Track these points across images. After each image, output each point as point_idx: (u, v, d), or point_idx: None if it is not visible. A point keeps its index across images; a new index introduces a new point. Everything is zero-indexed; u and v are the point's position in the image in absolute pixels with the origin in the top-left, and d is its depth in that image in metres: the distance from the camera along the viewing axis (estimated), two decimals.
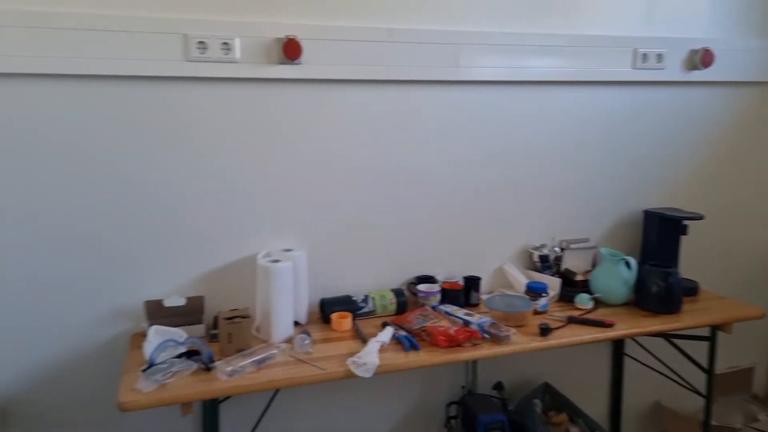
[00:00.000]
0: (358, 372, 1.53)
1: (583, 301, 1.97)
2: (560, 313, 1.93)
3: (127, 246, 1.74)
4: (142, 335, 1.74)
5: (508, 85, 2.03)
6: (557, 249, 2.15)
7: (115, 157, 1.69)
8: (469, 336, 1.67)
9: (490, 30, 1.96)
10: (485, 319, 1.75)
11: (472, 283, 1.98)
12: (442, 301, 1.93)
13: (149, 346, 1.54)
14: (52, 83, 1.59)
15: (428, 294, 1.91)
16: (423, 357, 1.62)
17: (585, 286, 2.06)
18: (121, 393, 1.41)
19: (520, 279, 2.07)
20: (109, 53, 1.59)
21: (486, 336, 1.71)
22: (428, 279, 2.02)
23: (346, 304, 1.86)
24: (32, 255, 1.66)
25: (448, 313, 1.82)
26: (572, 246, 2.15)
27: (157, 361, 1.49)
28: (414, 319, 1.78)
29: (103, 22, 1.57)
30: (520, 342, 1.71)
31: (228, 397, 1.52)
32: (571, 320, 1.86)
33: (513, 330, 1.72)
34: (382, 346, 1.65)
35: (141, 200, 1.73)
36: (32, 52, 1.53)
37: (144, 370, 1.46)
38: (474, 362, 2.16)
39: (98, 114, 1.65)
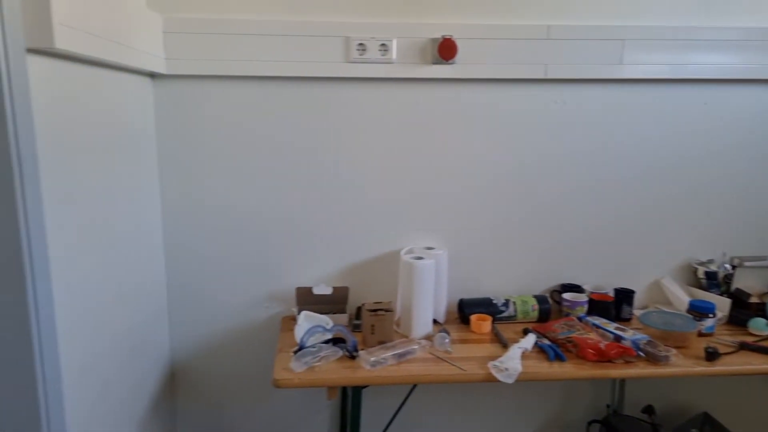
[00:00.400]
0: (500, 377, 1.49)
1: (759, 326, 1.74)
2: (729, 337, 1.72)
3: (283, 237, 1.87)
4: (292, 319, 1.86)
5: (676, 83, 1.86)
6: (728, 266, 1.92)
7: (277, 156, 1.82)
8: (622, 352, 1.55)
9: (658, 24, 1.80)
10: (640, 336, 1.62)
11: (625, 296, 1.85)
12: (589, 313, 1.82)
13: (300, 330, 1.64)
14: (229, 84, 1.76)
15: (574, 304, 1.82)
16: (568, 369, 1.54)
17: (761, 310, 1.82)
18: (276, 371, 1.51)
19: (681, 296, 1.88)
20: (280, 56, 1.71)
21: (641, 354, 1.58)
22: (574, 288, 1.92)
23: (486, 306, 1.83)
24: (208, 244, 1.86)
25: (596, 326, 1.71)
26: (747, 263, 1.91)
27: (307, 344, 1.58)
28: (559, 328, 1.70)
29: (275, 27, 1.69)
30: (682, 365, 1.55)
31: (366, 386, 1.57)
32: (744, 346, 1.65)
33: (673, 351, 1.57)
34: (524, 352, 1.60)
35: (295, 195, 1.85)
36: (216, 56, 1.70)
37: (295, 352, 1.56)
38: (622, 381, 2.01)
39: (263, 116, 1.79)
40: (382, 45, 1.71)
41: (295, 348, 1.58)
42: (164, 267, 1.85)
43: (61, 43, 1.08)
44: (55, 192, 1.15)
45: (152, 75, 1.71)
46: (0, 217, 0.99)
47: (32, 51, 1.06)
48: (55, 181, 1.15)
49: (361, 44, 1.70)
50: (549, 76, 1.78)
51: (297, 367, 1.52)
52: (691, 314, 1.76)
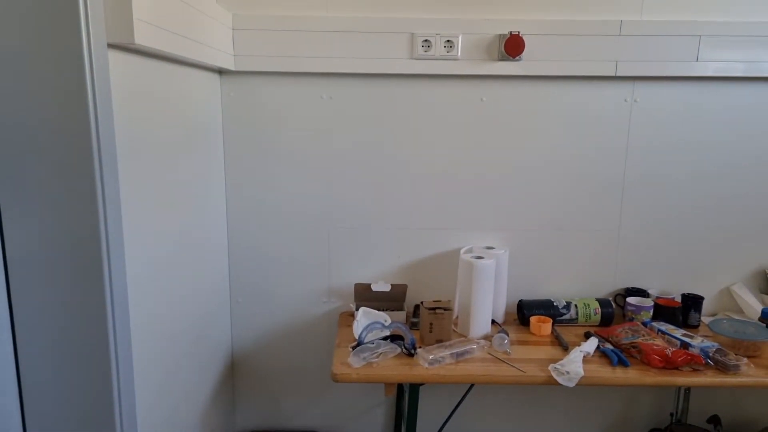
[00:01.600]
0: (560, 380, 1.47)
1: None
2: None
3: (343, 232, 1.89)
4: (350, 314, 1.88)
5: (754, 81, 1.77)
6: None
7: (339, 154, 1.83)
8: (690, 359, 1.50)
9: (738, 20, 1.72)
10: (709, 344, 1.56)
11: (693, 302, 1.78)
12: (654, 318, 1.77)
13: (358, 326, 1.65)
14: (294, 81, 1.78)
15: (639, 308, 1.76)
16: (632, 375, 1.49)
17: None
18: (335, 365, 1.53)
19: (754, 304, 1.80)
20: (345, 53, 1.72)
21: (709, 362, 1.52)
22: (638, 292, 1.86)
23: (546, 308, 1.80)
24: (269, 239, 1.89)
25: (662, 332, 1.66)
26: None
27: (365, 340, 1.60)
28: (622, 333, 1.65)
29: (340, 23, 1.70)
30: (753, 375, 1.49)
31: (423, 383, 1.57)
32: None
33: (744, 360, 1.51)
34: (585, 356, 1.56)
35: (356, 192, 1.86)
36: (282, 53, 1.72)
37: (353, 347, 1.57)
38: (687, 389, 1.94)
39: (327, 113, 1.81)
40: (448, 41, 1.69)
41: (354, 343, 1.60)
42: (227, 259, 1.90)
43: (140, 39, 1.10)
44: (130, 184, 1.19)
45: (220, 71, 1.75)
46: (81, 207, 1.03)
47: (112, 46, 1.10)
48: (130, 173, 1.19)
49: (426, 41, 1.69)
50: (620, 74, 1.73)
51: (355, 362, 1.53)
52: (764, 323, 1.69)
